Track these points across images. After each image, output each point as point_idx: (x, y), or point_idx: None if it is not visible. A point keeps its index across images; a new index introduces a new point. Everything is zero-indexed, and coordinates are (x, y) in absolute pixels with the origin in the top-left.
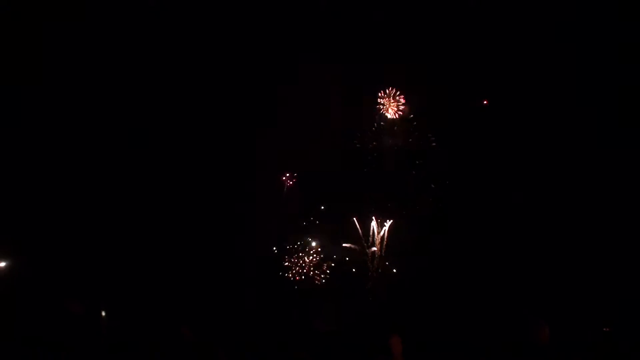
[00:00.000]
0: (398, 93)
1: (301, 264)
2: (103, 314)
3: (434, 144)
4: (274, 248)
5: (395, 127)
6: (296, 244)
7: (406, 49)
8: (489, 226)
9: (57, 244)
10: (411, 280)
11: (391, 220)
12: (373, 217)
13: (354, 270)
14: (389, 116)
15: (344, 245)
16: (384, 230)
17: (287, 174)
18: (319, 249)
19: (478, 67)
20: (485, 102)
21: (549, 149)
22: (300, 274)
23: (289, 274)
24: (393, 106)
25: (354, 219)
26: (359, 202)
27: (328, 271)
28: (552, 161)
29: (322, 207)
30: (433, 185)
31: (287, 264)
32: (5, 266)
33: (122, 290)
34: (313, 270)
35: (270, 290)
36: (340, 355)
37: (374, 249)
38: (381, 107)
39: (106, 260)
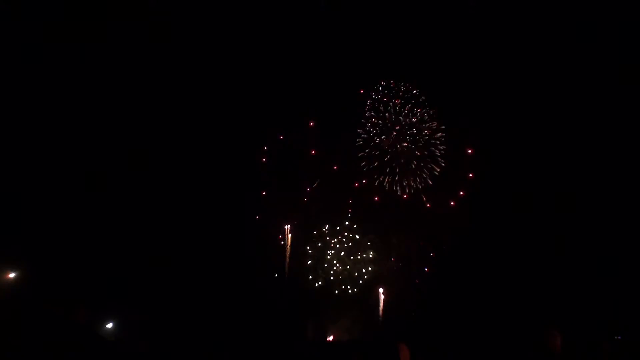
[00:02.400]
0: None
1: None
2: (110, 324)
3: None
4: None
5: None
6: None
7: None
8: (506, 235)
9: (63, 253)
10: (425, 288)
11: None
12: None
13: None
14: None
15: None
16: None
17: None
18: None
19: None
20: None
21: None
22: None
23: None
24: None
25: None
26: None
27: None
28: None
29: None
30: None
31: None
32: (13, 276)
33: (130, 300)
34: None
35: (282, 300)
36: None
37: None
38: None
39: (113, 269)
